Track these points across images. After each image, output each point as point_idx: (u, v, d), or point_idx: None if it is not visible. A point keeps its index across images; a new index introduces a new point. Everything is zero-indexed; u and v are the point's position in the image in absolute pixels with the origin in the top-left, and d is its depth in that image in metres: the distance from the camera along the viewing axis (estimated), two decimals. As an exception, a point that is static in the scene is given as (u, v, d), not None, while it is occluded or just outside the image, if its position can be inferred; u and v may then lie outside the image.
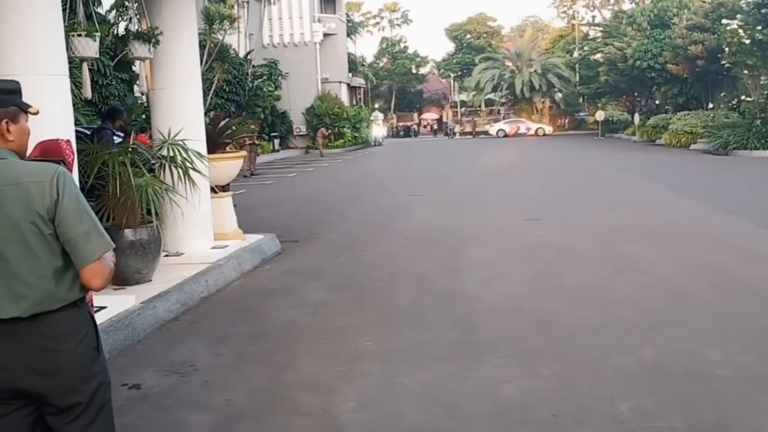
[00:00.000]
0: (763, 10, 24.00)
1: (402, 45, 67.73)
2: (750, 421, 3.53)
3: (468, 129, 58.42)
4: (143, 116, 16.63)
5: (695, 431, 3.43)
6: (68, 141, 2.40)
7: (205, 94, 13.16)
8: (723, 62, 28.86)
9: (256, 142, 23.75)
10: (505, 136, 49.73)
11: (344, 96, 40.94)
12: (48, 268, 2.08)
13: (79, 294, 2.16)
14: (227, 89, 25.96)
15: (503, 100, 59.50)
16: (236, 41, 28.68)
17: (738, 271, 6.83)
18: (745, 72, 25.97)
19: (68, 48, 5.89)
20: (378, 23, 68.59)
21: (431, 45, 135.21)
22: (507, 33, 71.26)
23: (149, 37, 7.31)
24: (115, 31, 9.68)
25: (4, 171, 2.08)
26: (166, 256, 7.11)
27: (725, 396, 3.84)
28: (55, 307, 2.09)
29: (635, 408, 3.70)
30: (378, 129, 48.95)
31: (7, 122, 2.14)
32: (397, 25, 69.38)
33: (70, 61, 6.30)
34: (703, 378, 4.09)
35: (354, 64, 46.71)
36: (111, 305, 5.25)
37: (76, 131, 6.32)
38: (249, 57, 29.63)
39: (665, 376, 4.16)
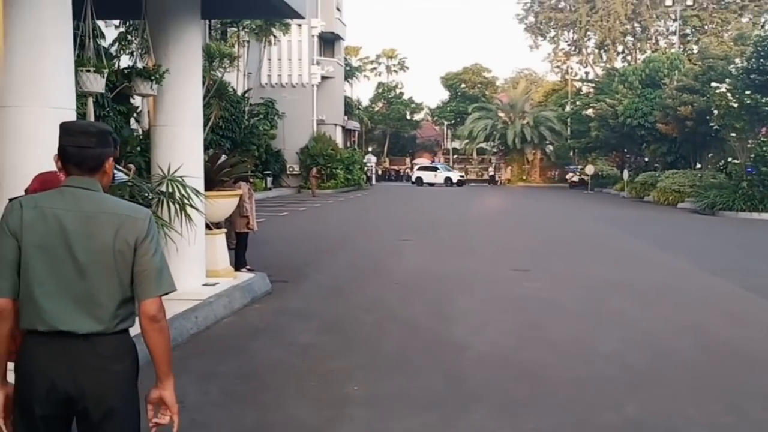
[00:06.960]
0: (752, 75, 24.62)
1: (398, 91, 68.64)
2: (728, 482, 3.60)
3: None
4: (138, 148, 16.74)
5: (675, 490, 3.49)
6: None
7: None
8: (711, 124, 29.41)
9: (250, 180, 23.85)
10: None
11: (339, 138, 41.33)
12: (120, 293, 2.25)
13: (131, 324, 2.32)
14: (223, 126, 26.20)
15: (495, 150, 60.14)
16: (235, 79, 29.09)
17: (720, 331, 6.94)
18: (733, 135, 26.47)
19: (76, 83, 6.02)
20: (375, 68, 69.63)
21: (426, 92, 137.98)
22: (501, 84, 72.47)
23: (153, 75, 7.46)
24: (116, 65, 9.82)
25: (101, 201, 2.28)
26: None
27: (705, 456, 3.91)
28: (110, 331, 2.24)
29: (617, 464, 3.76)
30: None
31: (111, 160, 2.36)
32: (394, 71, 70.50)
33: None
34: (684, 437, 4.17)
35: (350, 107, 47.25)
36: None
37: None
38: (247, 95, 29.99)
39: (647, 433, 4.23)
